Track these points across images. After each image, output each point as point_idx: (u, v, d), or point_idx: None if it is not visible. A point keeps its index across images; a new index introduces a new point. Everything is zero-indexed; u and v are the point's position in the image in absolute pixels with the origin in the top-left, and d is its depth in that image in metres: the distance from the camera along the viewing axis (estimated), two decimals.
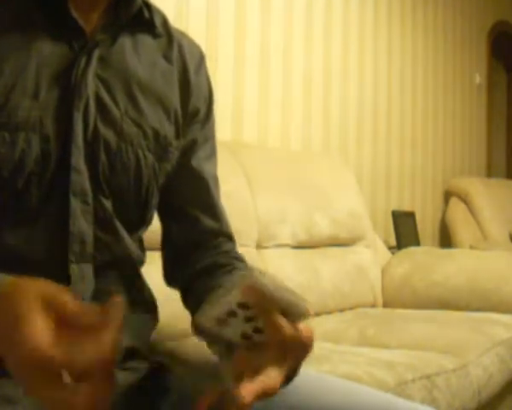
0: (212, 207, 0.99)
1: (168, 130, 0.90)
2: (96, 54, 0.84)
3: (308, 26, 2.95)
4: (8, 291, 0.57)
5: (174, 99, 0.92)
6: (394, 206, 3.50)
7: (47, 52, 0.81)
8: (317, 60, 3.00)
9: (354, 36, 3.27)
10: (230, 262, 0.96)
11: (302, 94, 2.92)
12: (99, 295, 0.81)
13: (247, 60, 2.64)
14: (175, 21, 2.28)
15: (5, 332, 0.54)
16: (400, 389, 1.43)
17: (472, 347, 1.80)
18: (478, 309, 2.31)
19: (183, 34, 0.99)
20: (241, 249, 2.14)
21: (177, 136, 0.92)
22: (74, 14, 0.83)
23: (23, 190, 0.78)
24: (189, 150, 0.96)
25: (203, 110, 0.98)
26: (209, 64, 2.62)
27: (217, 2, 2.50)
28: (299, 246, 2.30)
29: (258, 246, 2.15)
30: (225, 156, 2.16)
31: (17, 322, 0.53)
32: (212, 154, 1.02)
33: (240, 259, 0.99)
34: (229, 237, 1.01)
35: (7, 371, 0.75)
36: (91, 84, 0.83)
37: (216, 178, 1.02)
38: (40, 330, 0.52)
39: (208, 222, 0.98)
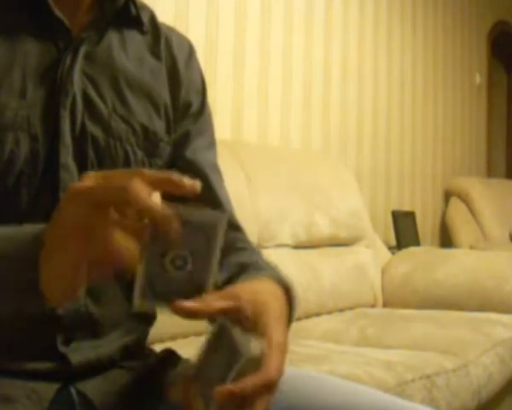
0: (212, 198, 0.96)
1: (158, 125, 0.90)
2: (82, 51, 0.84)
3: (308, 26, 2.95)
4: None
5: (163, 94, 0.92)
6: (394, 206, 3.50)
7: (32, 51, 0.81)
8: (317, 60, 3.00)
9: (354, 36, 3.27)
10: (230, 245, 0.91)
11: (302, 94, 2.92)
12: (94, 292, 0.81)
13: (247, 60, 2.64)
14: (175, 21, 2.29)
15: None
16: (400, 389, 1.43)
17: (472, 347, 1.80)
18: (478, 309, 2.31)
19: (170, 29, 0.98)
20: None
21: (168, 131, 0.92)
22: (57, 12, 0.82)
23: (13, 189, 0.78)
24: (182, 143, 0.95)
25: (196, 103, 0.97)
26: (209, 64, 2.61)
27: (217, 2, 2.50)
28: (299, 246, 2.30)
29: (258, 246, 2.15)
30: (225, 156, 2.16)
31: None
32: (211, 145, 1.00)
33: (242, 241, 0.96)
34: (235, 227, 0.98)
35: (6, 372, 0.76)
36: (78, 82, 0.82)
37: (216, 167, 0.99)
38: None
39: None
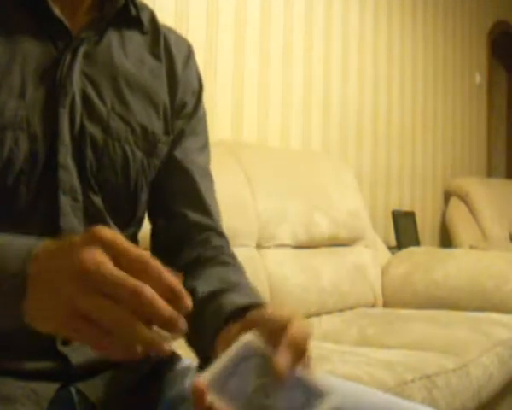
0: (198, 201, 0.95)
1: (157, 125, 0.90)
2: (82, 51, 0.84)
3: (308, 27, 2.95)
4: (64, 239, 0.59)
5: (163, 94, 0.92)
6: (394, 206, 3.50)
7: (31, 51, 0.81)
8: (317, 60, 3.00)
9: (354, 36, 3.27)
10: (215, 255, 0.92)
11: (302, 94, 2.92)
12: None
13: (247, 60, 2.64)
14: (175, 22, 2.29)
15: (63, 247, 0.56)
16: (400, 389, 1.43)
17: (472, 347, 1.80)
18: (478, 309, 2.31)
19: (169, 30, 0.98)
20: (241, 249, 2.14)
21: (167, 131, 0.92)
22: (57, 12, 0.83)
23: (12, 188, 0.78)
24: (174, 142, 0.94)
25: (191, 104, 0.97)
26: (209, 64, 2.61)
27: (217, 3, 2.50)
28: (299, 246, 2.30)
29: (258, 246, 2.15)
30: (225, 156, 2.16)
31: (77, 243, 0.55)
32: (203, 148, 0.99)
33: (228, 254, 0.94)
34: (219, 233, 0.96)
35: (6, 372, 0.76)
36: (77, 82, 0.83)
37: (205, 170, 0.98)
38: (100, 251, 0.54)
39: (194, 216, 0.94)
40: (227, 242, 0.97)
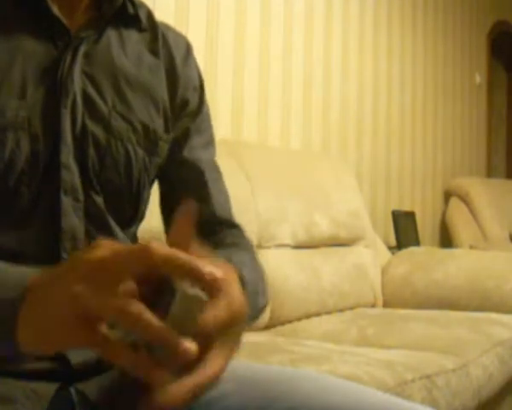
0: (207, 196, 0.96)
1: (157, 123, 0.90)
2: (82, 50, 0.84)
3: (308, 26, 2.95)
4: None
5: (162, 92, 0.92)
6: (394, 206, 3.50)
7: (31, 51, 0.81)
8: (317, 60, 3.00)
9: (354, 36, 3.27)
10: (218, 241, 0.93)
11: (302, 94, 2.92)
12: None
13: (247, 60, 2.64)
14: (175, 21, 2.29)
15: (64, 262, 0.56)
16: (400, 389, 1.43)
17: (472, 347, 1.80)
18: (478, 309, 2.31)
19: (167, 27, 0.98)
20: None
21: (167, 129, 0.92)
22: (56, 12, 0.83)
23: (14, 189, 0.78)
24: (180, 142, 0.94)
25: (194, 101, 0.97)
26: (209, 64, 2.60)
27: (217, 2, 2.50)
28: (299, 246, 2.30)
29: (258, 246, 2.15)
30: (225, 156, 2.16)
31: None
32: (209, 143, 0.99)
33: (233, 235, 0.95)
34: (230, 225, 0.97)
35: (6, 372, 0.76)
36: (78, 81, 0.83)
37: (213, 165, 0.99)
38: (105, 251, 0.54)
39: (204, 212, 0.94)
40: (239, 229, 0.98)
